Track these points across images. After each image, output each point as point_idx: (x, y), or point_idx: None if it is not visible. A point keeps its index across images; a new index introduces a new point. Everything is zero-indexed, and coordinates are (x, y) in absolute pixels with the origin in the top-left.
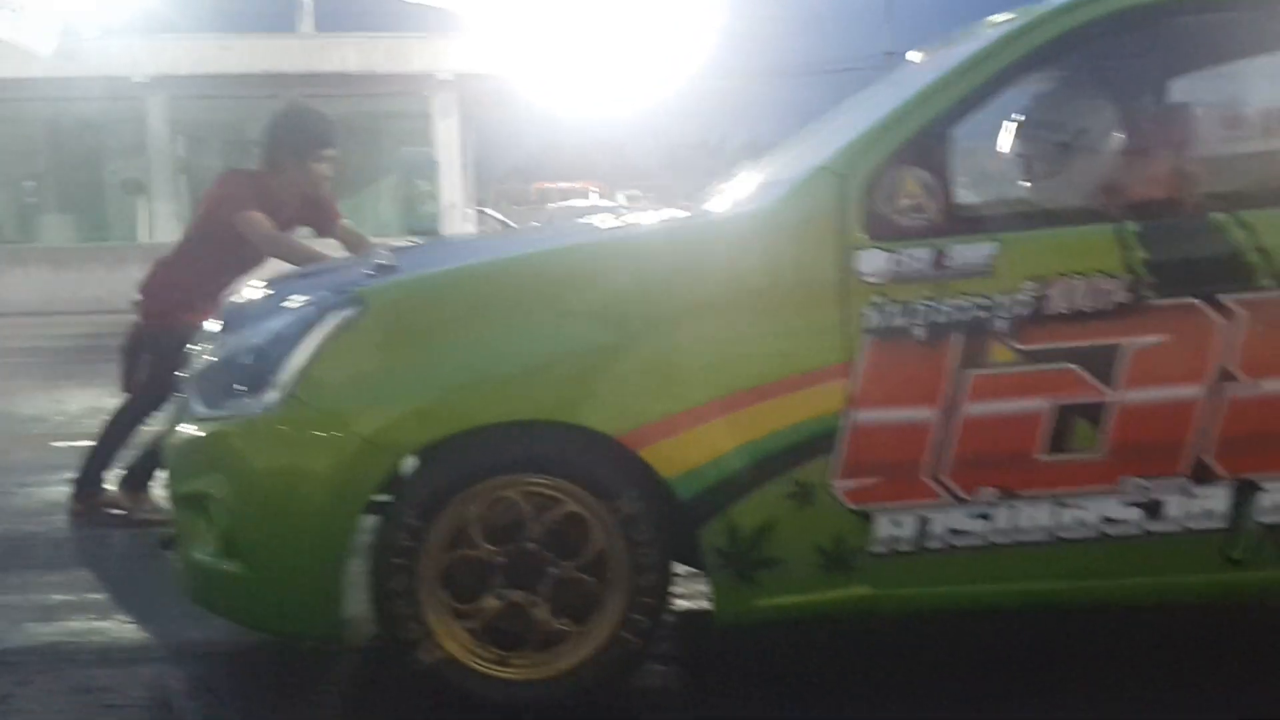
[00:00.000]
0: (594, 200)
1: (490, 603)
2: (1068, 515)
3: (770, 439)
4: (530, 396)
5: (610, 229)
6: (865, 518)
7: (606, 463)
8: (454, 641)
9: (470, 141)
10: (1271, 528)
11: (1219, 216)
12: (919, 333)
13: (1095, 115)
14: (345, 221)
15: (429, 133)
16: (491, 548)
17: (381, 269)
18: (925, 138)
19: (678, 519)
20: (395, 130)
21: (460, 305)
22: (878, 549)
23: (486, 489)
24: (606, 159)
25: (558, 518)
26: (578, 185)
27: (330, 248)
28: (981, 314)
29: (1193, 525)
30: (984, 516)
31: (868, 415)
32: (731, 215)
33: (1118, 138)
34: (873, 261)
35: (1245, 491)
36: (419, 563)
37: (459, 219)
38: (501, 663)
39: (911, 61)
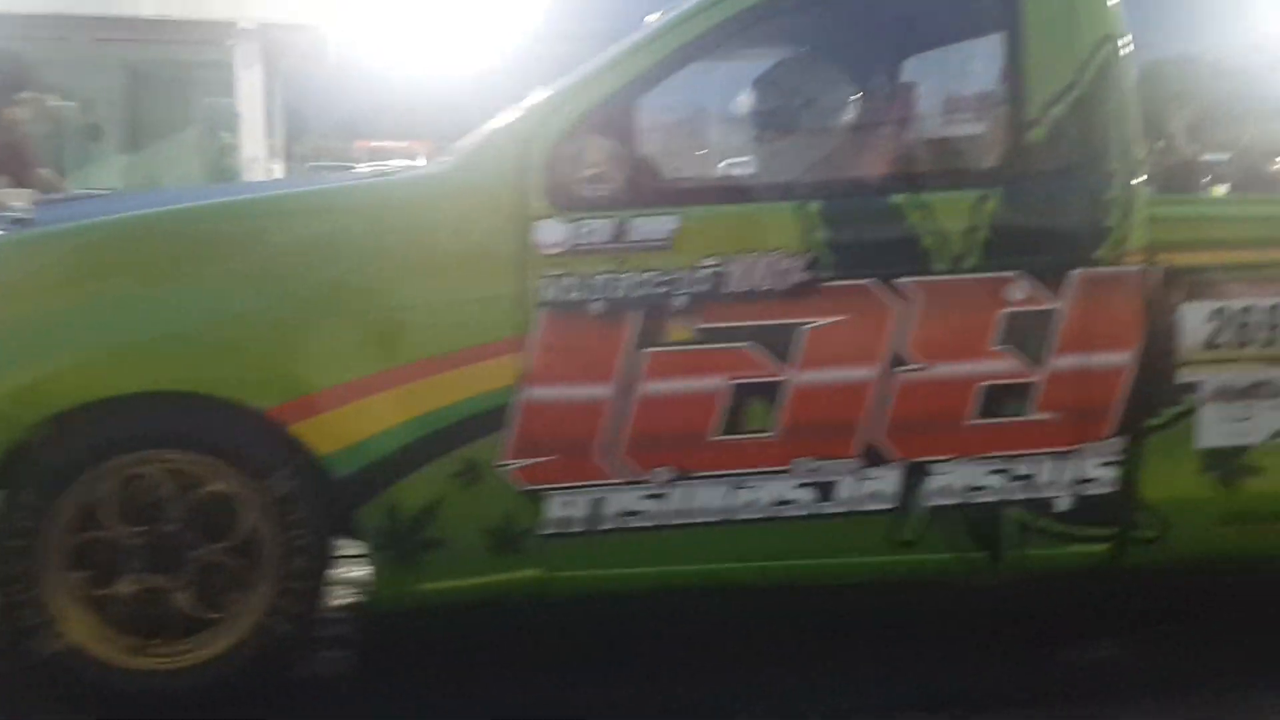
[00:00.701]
0: (420, 161)
1: (125, 587)
2: (742, 496)
3: (437, 415)
4: (168, 365)
5: (312, 184)
6: (536, 498)
7: (256, 438)
8: (83, 629)
9: (278, 94)
10: (940, 510)
11: (898, 198)
12: (596, 307)
13: (824, 88)
14: (44, 170)
15: (232, 83)
16: (128, 528)
17: (16, 223)
18: (612, 106)
19: (338, 498)
20: (198, 80)
21: (97, 263)
22: (549, 530)
23: (119, 465)
24: (447, 119)
25: (203, 497)
26: (404, 145)
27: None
28: (660, 290)
29: (863, 507)
30: (658, 497)
31: (540, 392)
32: (411, 177)
33: (833, 112)
34: (552, 231)
35: (915, 474)
36: (40, 544)
37: (261, 173)
38: (138, 651)
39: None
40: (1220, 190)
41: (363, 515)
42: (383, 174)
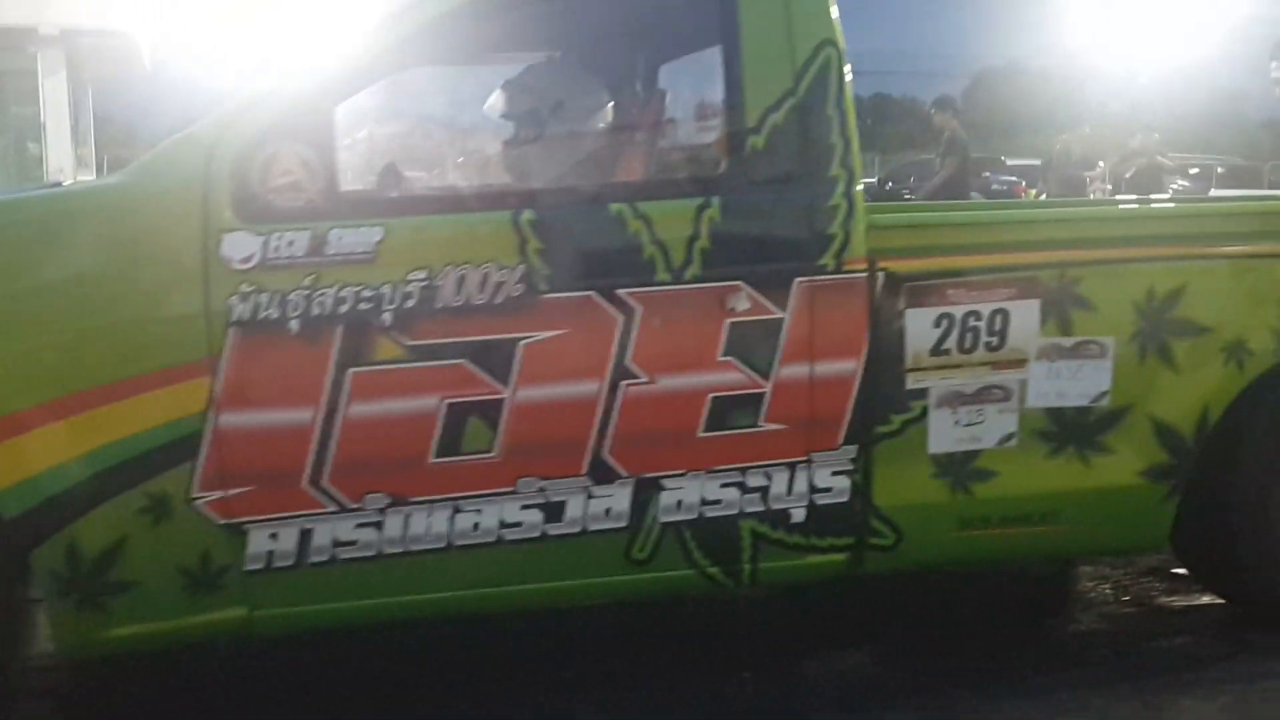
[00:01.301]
0: None
1: None
2: (464, 521)
3: (118, 446)
4: None
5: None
6: (236, 532)
7: None
8: None
9: (85, 102)
10: (674, 526)
11: (617, 207)
12: (293, 326)
13: (546, 97)
14: None
15: (37, 92)
16: None
17: None
18: (309, 112)
19: (10, 541)
20: (6, 89)
21: None
22: (253, 566)
23: None
24: None
25: None
26: None
27: None
28: (365, 306)
29: (594, 526)
30: (373, 525)
31: (234, 418)
32: (87, 187)
33: (549, 121)
34: (241, 245)
35: (646, 490)
36: None
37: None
38: None
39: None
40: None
41: (38, 558)
42: (59, 184)
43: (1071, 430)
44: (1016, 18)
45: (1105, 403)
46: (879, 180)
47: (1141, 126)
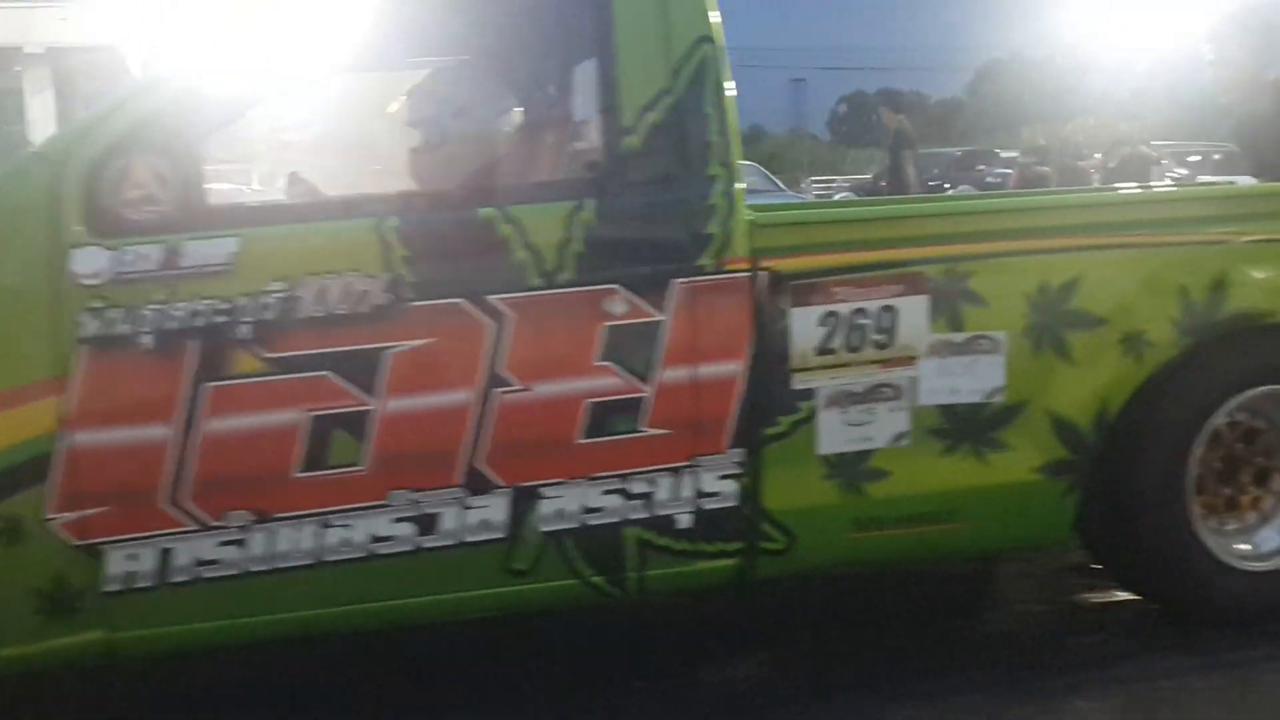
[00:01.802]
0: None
1: None
2: (333, 536)
3: None
4: None
5: None
6: (93, 553)
7: None
8: None
9: (71, 119)
10: (554, 535)
11: (486, 212)
12: (147, 341)
13: (429, 103)
14: None
15: (23, 110)
16: None
17: None
18: (160, 123)
19: None
20: None
21: None
22: (111, 587)
23: None
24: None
25: None
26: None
27: None
28: (222, 319)
29: (470, 538)
30: (237, 543)
31: (87, 437)
32: None
33: (419, 126)
34: (91, 260)
35: (524, 500)
36: None
37: None
38: None
39: None
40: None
41: None
42: None
43: (966, 427)
44: (1019, 9)
45: (1000, 399)
46: (874, 177)
47: (1126, 115)
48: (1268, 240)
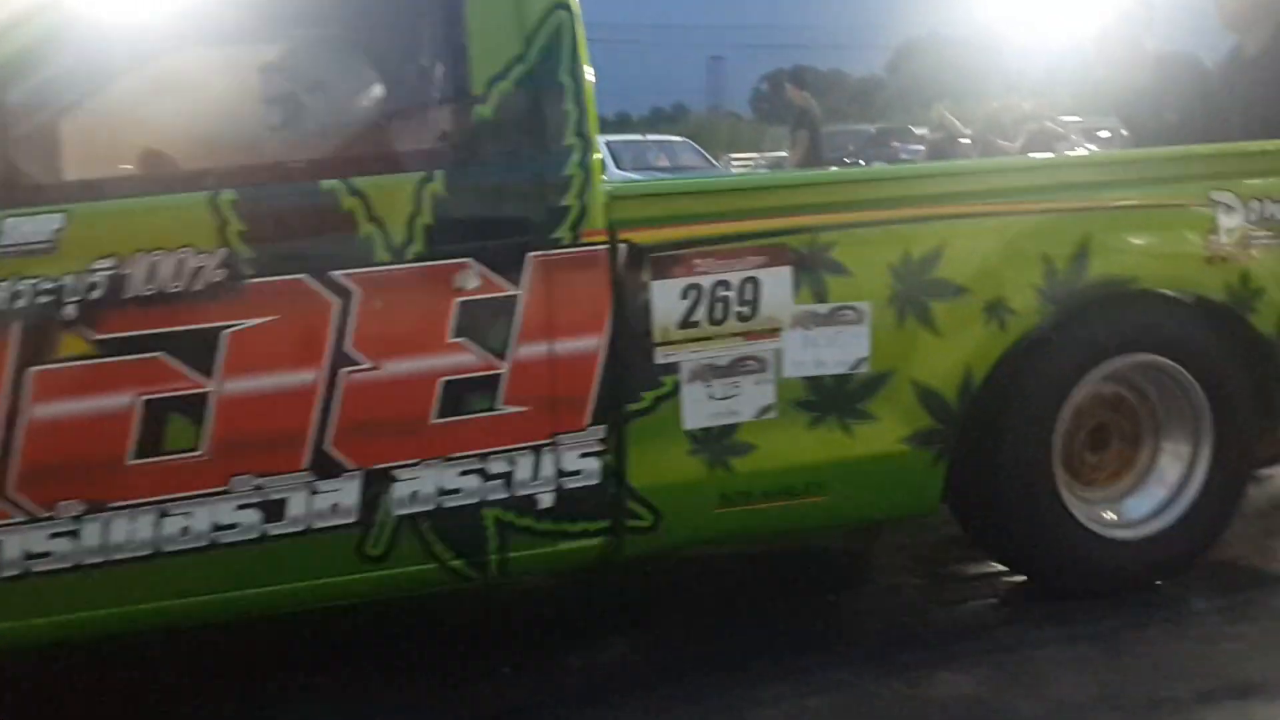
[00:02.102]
0: None
1: None
2: (173, 525)
3: None
4: None
5: None
6: None
7: None
8: None
9: None
10: (410, 519)
11: (330, 184)
12: None
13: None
14: None
15: None
16: None
17: None
18: None
19: None
20: None
21: None
22: None
23: None
24: None
25: None
26: None
27: None
28: (45, 299)
29: (320, 524)
30: (69, 534)
31: None
32: None
33: (261, 95)
34: None
35: (376, 482)
36: None
37: None
38: None
39: None
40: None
41: None
42: None
43: (832, 399)
44: None
45: (865, 369)
46: (805, 153)
47: (1036, 93)
48: (1130, 206)
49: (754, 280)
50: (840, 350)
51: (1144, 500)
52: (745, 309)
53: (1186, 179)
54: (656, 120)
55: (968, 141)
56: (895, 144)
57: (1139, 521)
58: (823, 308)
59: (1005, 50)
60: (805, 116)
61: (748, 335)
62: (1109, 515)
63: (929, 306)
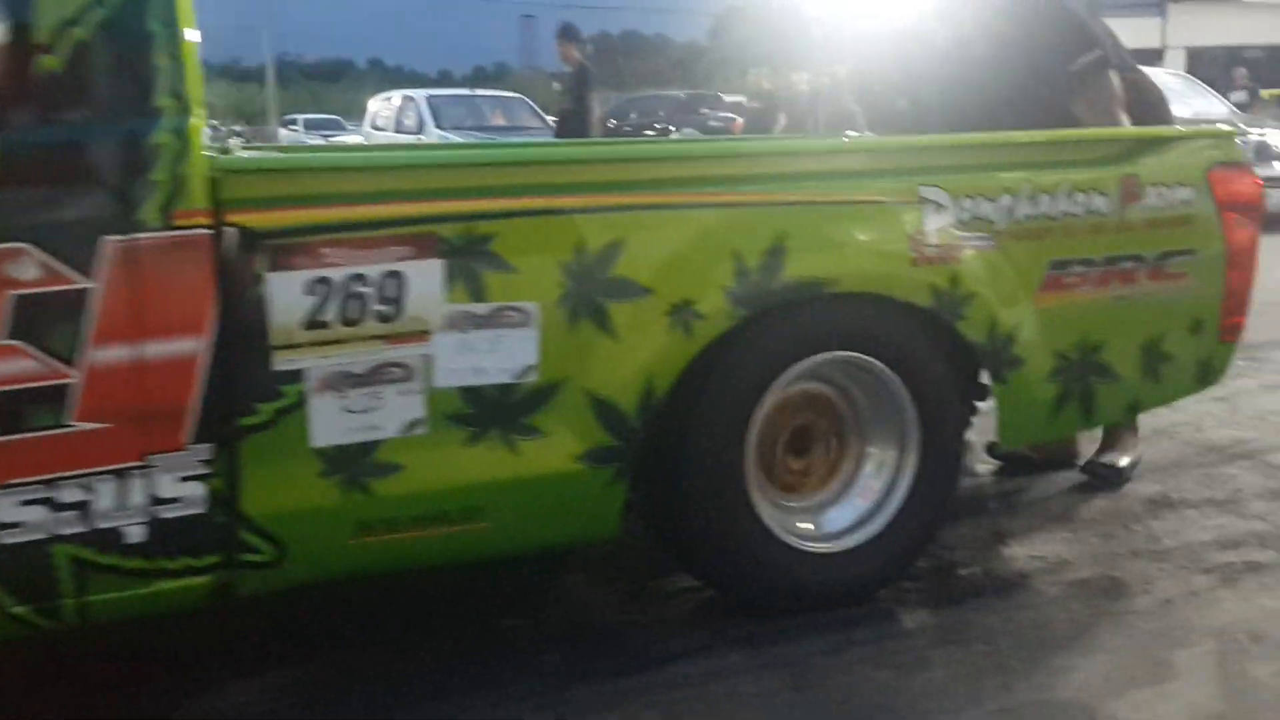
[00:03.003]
0: None
1: None
2: None
3: None
4: None
5: None
6: None
7: None
8: None
9: None
10: None
11: None
12: None
13: None
14: None
15: None
16: None
17: None
18: None
19: None
20: None
21: None
22: None
23: None
24: None
25: None
26: None
27: None
28: None
29: None
30: None
31: None
32: None
33: None
34: None
35: None
36: None
37: None
38: None
39: None
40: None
41: None
42: None
43: (494, 412)
44: None
45: (533, 379)
46: (601, 118)
47: (826, 67)
48: (831, 201)
49: (397, 275)
50: (503, 357)
51: (846, 511)
52: (387, 308)
53: (892, 173)
54: (479, 79)
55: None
56: (705, 110)
57: (839, 533)
58: (482, 308)
59: (816, 20)
60: (585, 76)
61: (390, 338)
62: (806, 526)
63: (606, 309)
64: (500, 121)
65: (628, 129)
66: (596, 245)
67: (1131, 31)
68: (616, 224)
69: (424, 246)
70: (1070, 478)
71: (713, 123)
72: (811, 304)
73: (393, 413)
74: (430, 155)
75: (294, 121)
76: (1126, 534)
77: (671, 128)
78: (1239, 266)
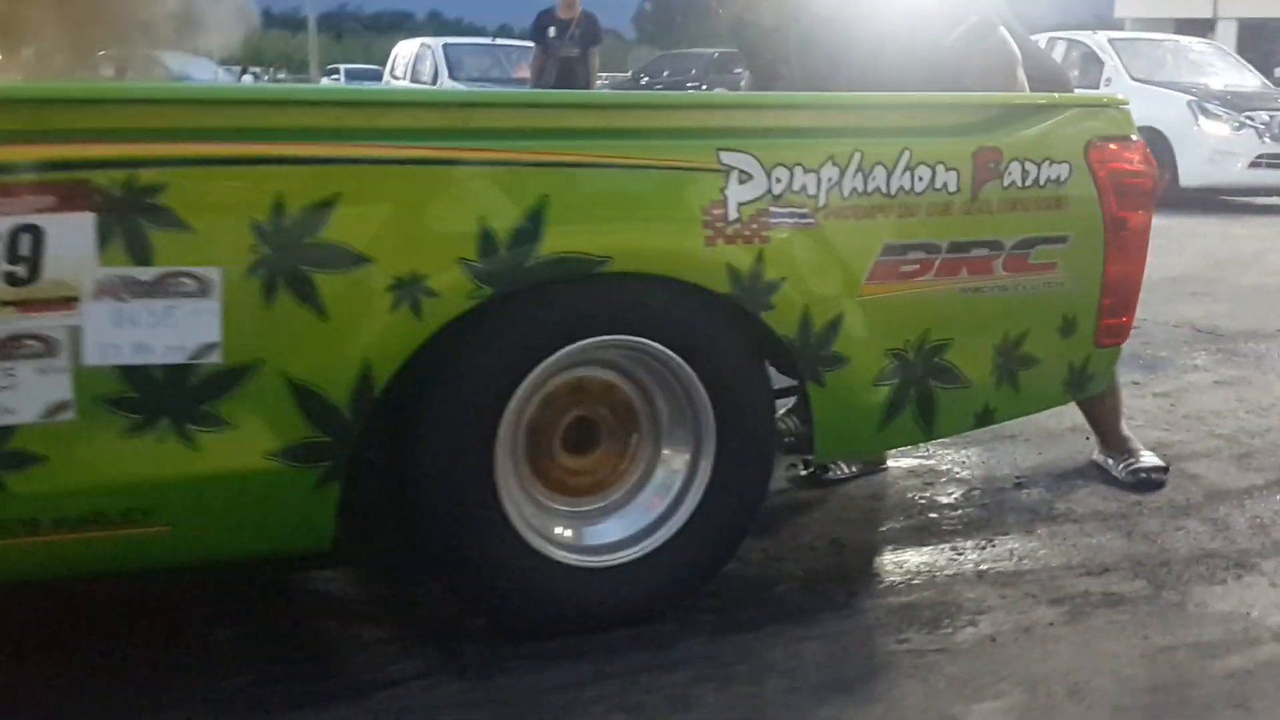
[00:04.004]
0: None
1: None
2: None
3: None
4: None
5: None
6: None
7: None
8: None
9: None
10: None
11: None
12: None
13: None
14: None
15: None
16: None
17: None
18: None
19: None
20: None
21: None
22: None
23: None
24: None
25: None
26: None
27: None
28: None
29: None
30: None
31: None
32: None
33: None
34: None
35: None
36: None
37: None
38: None
39: None
40: None
41: None
42: None
43: (165, 397)
44: None
45: (215, 359)
46: (632, 75)
47: None
48: (606, 164)
49: (35, 229)
50: (175, 333)
51: (625, 520)
52: (20, 269)
53: (686, 133)
54: None
55: None
56: (738, 70)
57: (612, 546)
58: (146, 273)
59: None
60: (589, 28)
61: (25, 306)
62: (567, 535)
63: (312, 280)
64: (525, 75)
65: (659, 86)
66: (300, 203)
67: (1182, 1)
68: (328, 178)
69: (72, 198)
70: (937, 477)
71: (743, 83)
72: (575, 284)
73: (30, 394)
74: (83, 89)
75: (335, 71)
76: (979, 552)
77: (704, 86)
78: (1122, 258)
